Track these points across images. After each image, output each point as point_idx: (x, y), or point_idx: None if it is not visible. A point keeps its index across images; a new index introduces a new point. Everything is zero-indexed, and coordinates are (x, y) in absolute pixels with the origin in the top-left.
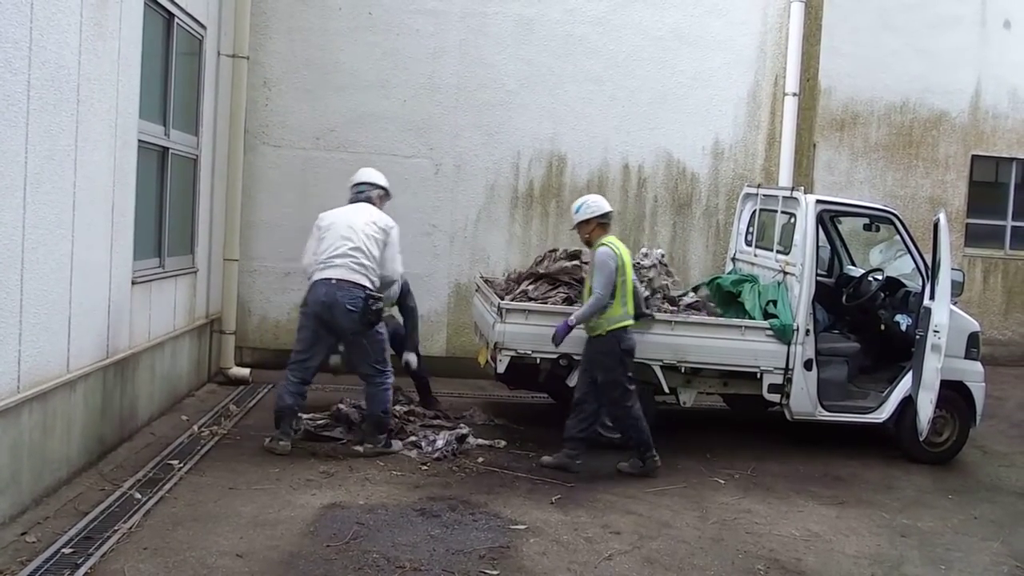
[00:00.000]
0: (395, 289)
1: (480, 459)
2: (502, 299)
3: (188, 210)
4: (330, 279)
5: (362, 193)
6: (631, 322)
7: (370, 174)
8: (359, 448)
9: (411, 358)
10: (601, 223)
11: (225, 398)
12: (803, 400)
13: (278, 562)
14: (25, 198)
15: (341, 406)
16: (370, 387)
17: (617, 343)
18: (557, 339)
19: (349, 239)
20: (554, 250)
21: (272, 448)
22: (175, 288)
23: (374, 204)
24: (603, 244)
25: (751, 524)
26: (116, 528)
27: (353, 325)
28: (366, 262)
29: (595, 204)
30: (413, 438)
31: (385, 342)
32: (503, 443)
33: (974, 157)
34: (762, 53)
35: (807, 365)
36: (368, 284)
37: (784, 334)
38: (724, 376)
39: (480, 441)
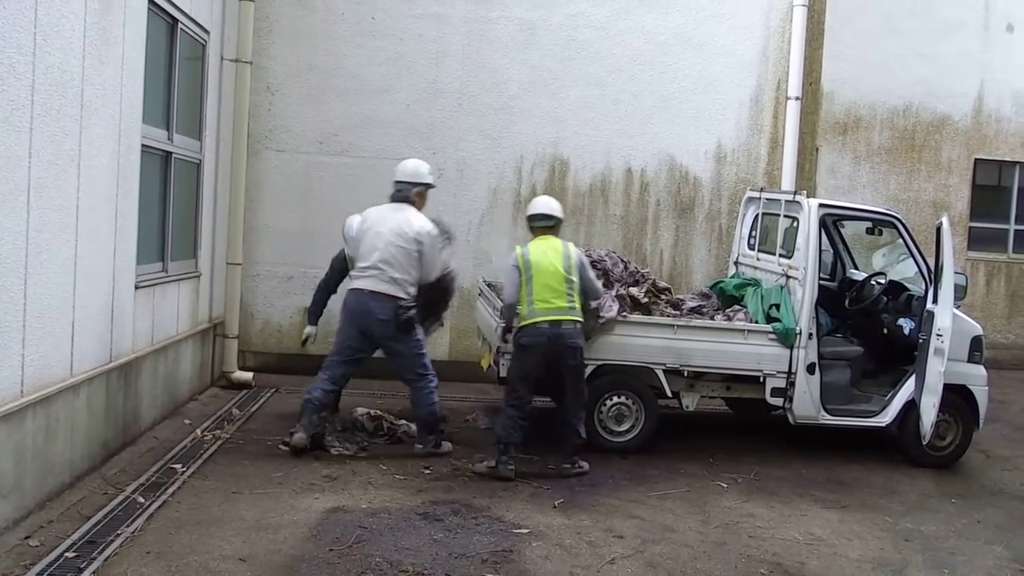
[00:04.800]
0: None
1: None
2: None
3: (191, 214)
4: (362, 289)
5: (400, 192)
6: (531, 320)
7: (408, 170)
8: (416, 448)
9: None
10: (534, 227)
11: (228, 402)
12: (806, 404)
13: (281, 566)
14: (29, 203)
15: (359, 411)
16: (413, 391)
17: (516, 339)
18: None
19: (377, 249)
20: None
21: (287, 441)
22: (178, 292)
23: (413, 203)
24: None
25: (754, 528)
26: (119, 532)
27: (387, 333)
28: (396, 275)
29: (529, 206)
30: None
31: (423, 348)
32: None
33: (977, 161)
34: (764, 57)
35: (810, 369)
36: (400, 295)
37: (787, 338)
38: (727, 380)
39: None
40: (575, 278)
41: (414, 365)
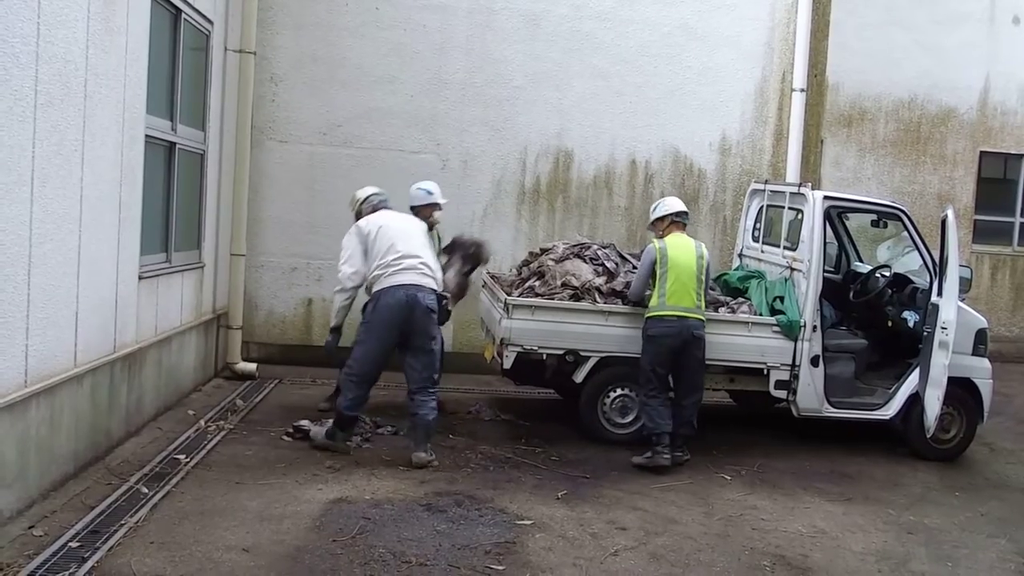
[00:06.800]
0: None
1: (486, 454)
2: (509, 295)
3: (195, 205)
4: (407, 284)
5: (384, 202)
6: (663, 312)
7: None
8: (418, 456)
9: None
10: (674, 221)
11: (231, 393)
12: (810, 396)
13: (284, 556)
14: (32, 193)
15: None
16: (421, 396)
17: (644, 330)
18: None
19: (407, 239)
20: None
21: (331, 447)
22: (182, 283)
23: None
24: (651, 243)
25: (757, 520)
26: (123, 522)
27: (428, 326)
28: (431, 262)
29: (665, 204)
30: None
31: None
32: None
33: (982, 153)
34: (770, 49)
35: (814, 361)
36: (438, 287)
37: (791, 330)
38: (731, 372)
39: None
40: (704, 278)
41: (434, 367)
